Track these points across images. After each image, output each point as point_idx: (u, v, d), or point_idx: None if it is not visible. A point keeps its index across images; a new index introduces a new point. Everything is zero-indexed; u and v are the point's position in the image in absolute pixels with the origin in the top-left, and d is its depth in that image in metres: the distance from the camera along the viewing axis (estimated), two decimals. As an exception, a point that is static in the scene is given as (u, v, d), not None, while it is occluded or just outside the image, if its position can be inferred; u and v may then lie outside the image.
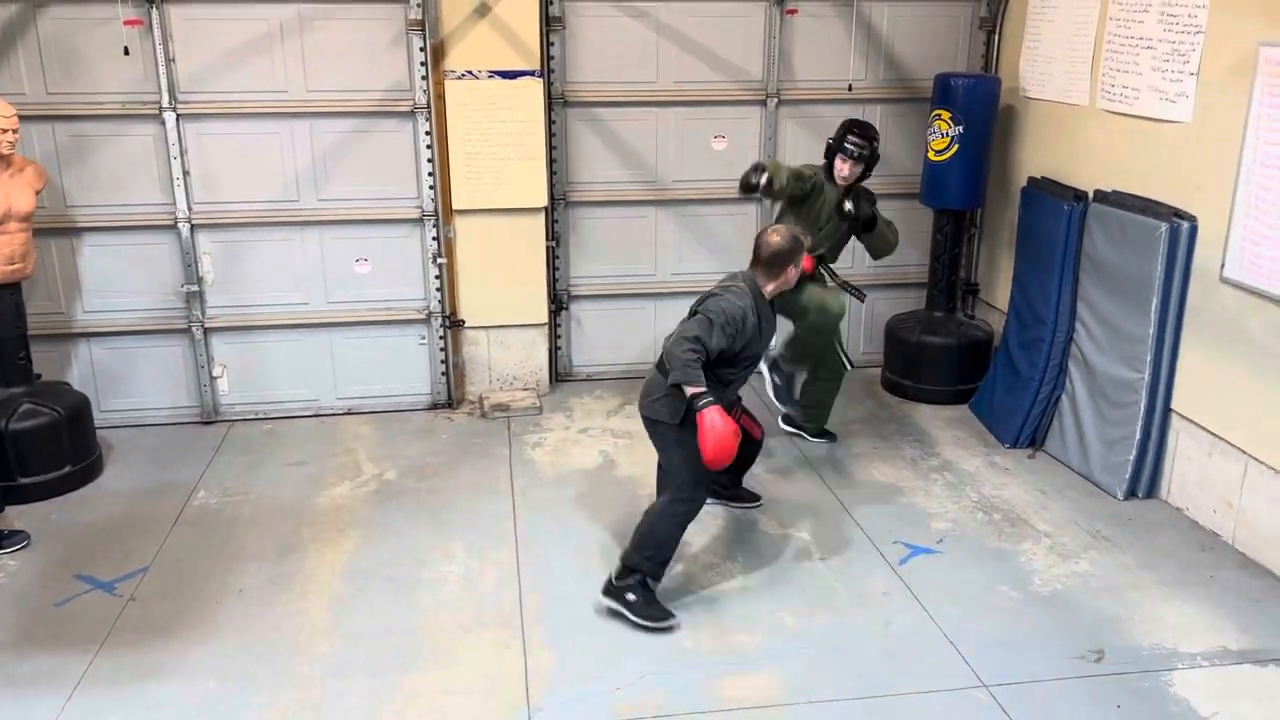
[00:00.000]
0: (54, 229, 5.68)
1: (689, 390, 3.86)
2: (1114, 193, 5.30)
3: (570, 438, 5.87)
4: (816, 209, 5.35)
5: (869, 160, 5.30)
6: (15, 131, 4.89)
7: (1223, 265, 4.63)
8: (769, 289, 4.21)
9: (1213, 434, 4.79)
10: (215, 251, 5.93)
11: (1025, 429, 5.71)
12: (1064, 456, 5.51)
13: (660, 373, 4.09)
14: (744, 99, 6.43)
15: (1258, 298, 4.46)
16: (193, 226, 5.85)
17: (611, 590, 4.13)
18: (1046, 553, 4.65)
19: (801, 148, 6.55)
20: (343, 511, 5.03)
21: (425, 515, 4.99)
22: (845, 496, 5.18)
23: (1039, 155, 6.13)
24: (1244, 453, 4.60)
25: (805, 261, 4.35)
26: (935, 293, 6.54)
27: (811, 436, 5.83)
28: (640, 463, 5.48)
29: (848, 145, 5.24)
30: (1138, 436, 5.06)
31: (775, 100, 6.43)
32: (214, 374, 6.07)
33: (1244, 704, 3.64)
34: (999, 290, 6.59)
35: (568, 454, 5.67)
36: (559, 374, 6.71)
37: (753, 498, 5.11)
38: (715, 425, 3.79)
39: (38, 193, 5.14)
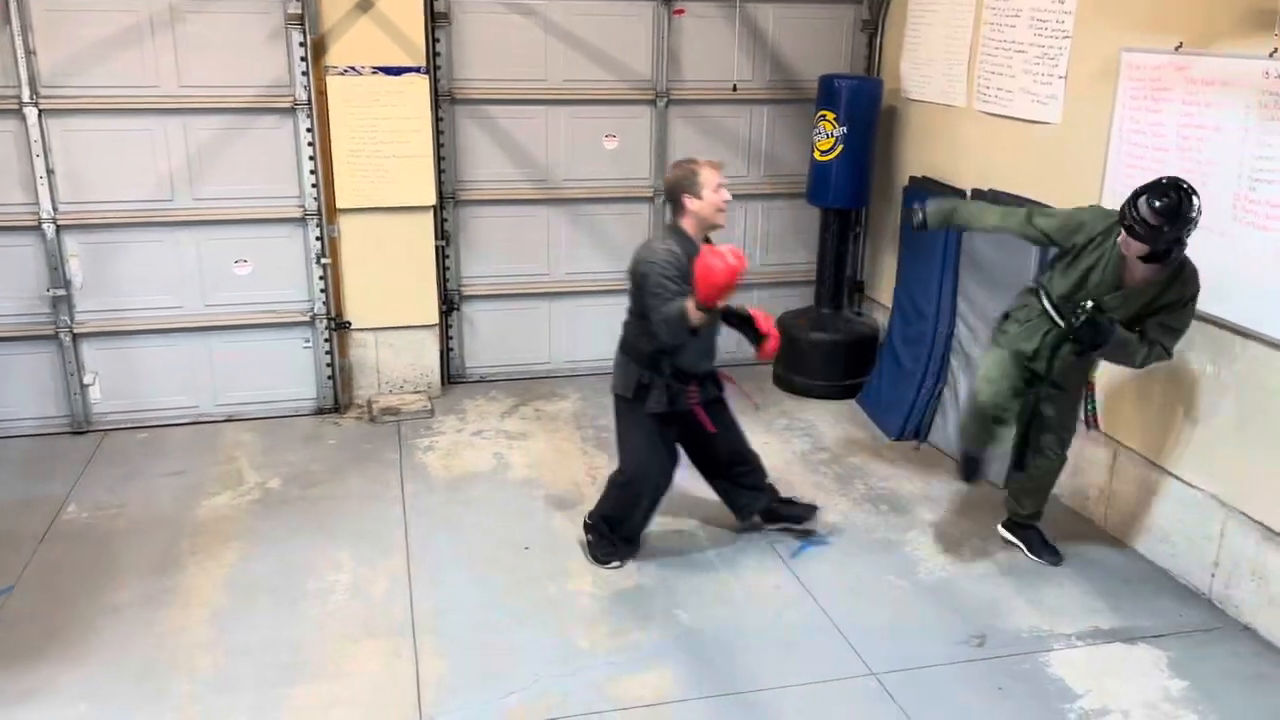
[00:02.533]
0: (-96, 230, 5.34)
1: (690, 312, 3.85)
2: (990, 191, 5.48)
3: (463, 440, 5.79)
4: (1082, 273, 4.04)
5: (1155, 246, 3.65)
6: None
7: (1091, 261, 4.83)
8: (684, 224, 4.11)
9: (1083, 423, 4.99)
10: (83, 254, 5.65)
11: (910, 422, 5.87)
12: (947, 447, 5.68)
13: (622, 354, 4.32)
14: (634, 98, 6.44)
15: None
16: (58, 228, 5.56)
17: (585, 525, 4.60)
18: (932, 542, 4.78)
19: (692, 147, 6.58)
20: (224, 522, 4.86)
21: (312, 524, 4.86)
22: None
23: (920, 155, 6.30)
24: (1113, 439, 4.81)
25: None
26: (823, 290, 6.66)
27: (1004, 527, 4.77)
28: (535, 464, 5.44)
29: (1131, 216, 3.67)
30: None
31: (665, 100, 6.46)
32: (85, 382, 5.78)
33: (1114, 681, 3.81)
34: (884, 287, 6.76)
35: (460, 457, 5.59)
36: (451, 376, 6.61)
37: (805, 510, 4.83)
38: (704, 260, 3.75)
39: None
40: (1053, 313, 4.13)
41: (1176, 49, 4.27)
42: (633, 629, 4.09)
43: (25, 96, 5.34)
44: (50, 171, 5.48)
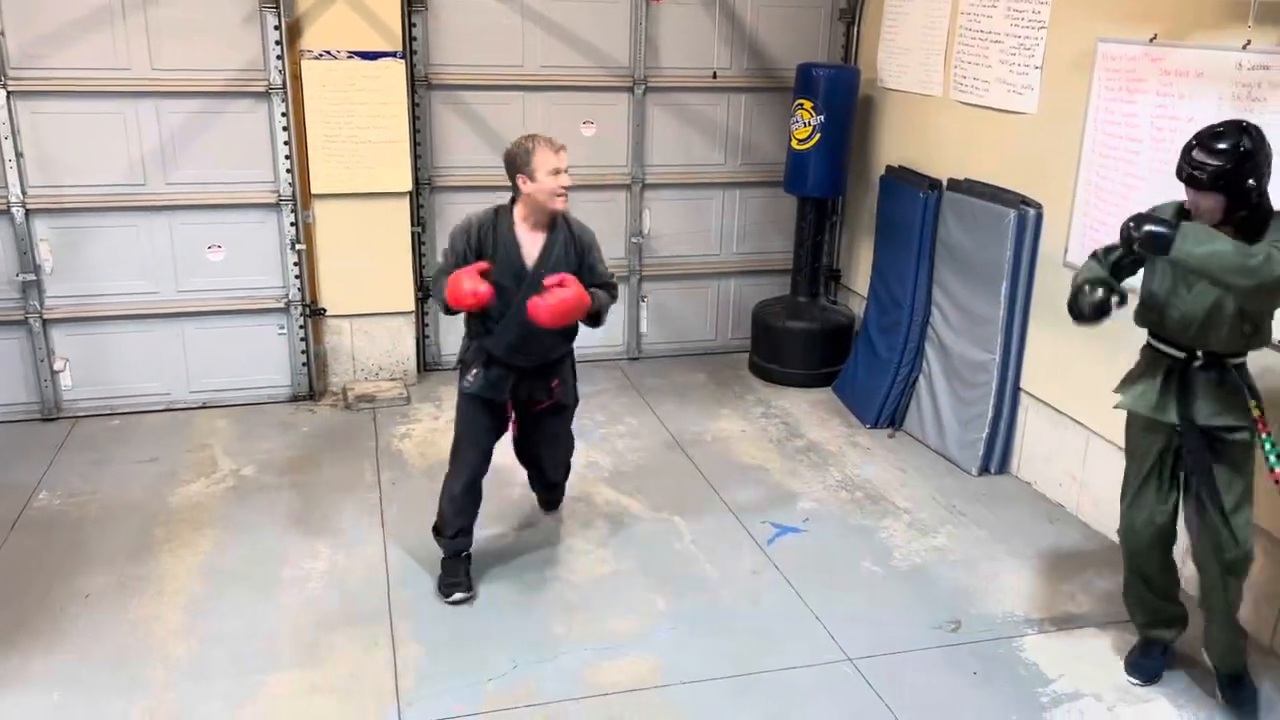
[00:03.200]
0: None
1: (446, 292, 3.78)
2: (966, 181, 5.51)
3: (439, 428, 5.77)
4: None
5: (1226, 183, 3.12)
6: None
7: (1066, 250, 4.88)
8: (517, 204, 3.90)
9: (1058, 411, 5.05)
10: (54, 238, 5.57)
11: (885, 409, 5.91)
12: (922, 435, 5.72)
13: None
14: (612, 85, 6.42)
15: (1096, 281, 4.70)
16: (28, 211, 5.48)
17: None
18: (906, 528, 4.82)
19: (669, 135, 6.59)
20: (198, 510, 4.82)
21: (287, 511, 4.83)
22: (714, 479, 5.25)
23: (896, 144, 6.32)
24: (1086, 428, 4.86)
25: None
26: (799, 279, 6.68)
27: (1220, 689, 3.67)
28: (511, 451, 5.42)
29: (1185, 167, 3.19)
30: (989, 415, 5.29)
31: (643, 87, 6.44)
32: (55, 368, 5.71)
33: (1087, 665, 3.85)
34: (860, 276, 6.79)
35: (437, 445, 5.56)
36: (427, 363, 6.58)
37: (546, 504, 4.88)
38: (456, 275, 3.74)
39: None
40: (1157, 344, 3.47)
41: (1151, 40, 4.30)
42: (609, 616, 4.10)
43: (-7, 78, 5.26)
44: (19, 154, 5.40)
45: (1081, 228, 4.76)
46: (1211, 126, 3.17)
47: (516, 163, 3.80)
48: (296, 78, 5.64)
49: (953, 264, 5.56)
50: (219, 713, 3.51)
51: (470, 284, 3.70)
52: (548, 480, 4.65)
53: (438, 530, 4.25)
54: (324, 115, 5.71)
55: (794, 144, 6.30)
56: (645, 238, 6.75)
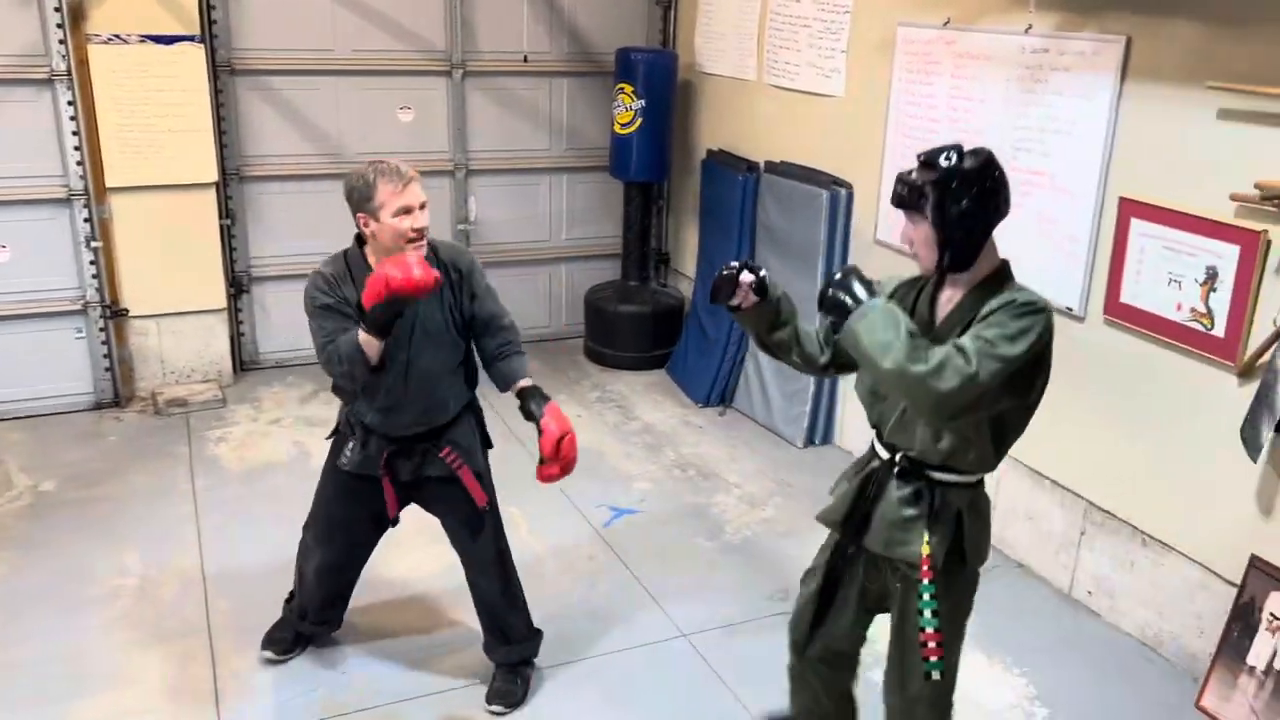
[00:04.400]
0: None
1: (364, 342, 3.02)
2: (782, 163, 5.66)
3: (259, 430, 5.53)
4: None
5: (932, 206, 2.45)
6: None
7: (876, 228, 5.08)
8: (366, 251, 3.15)
9: (875, 382, 5.25)
10: None
11: (715, 388, 6.02)
12: (750, 412, 5.86)
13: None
14: (429, 69, 6.27)
15: (904, 256, 4.90)
16: None
17: None
18: (737, 502, 4.93)
19: (492, 120, 6.50)
20: (-10, 531, 4.46)
21: (92, 527, 4.52)
22: (549, 467, 5.22)
23: (716, 128, 6.43)
24: (900, 397, 5.08)
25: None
26: (629, 263, 6.72)
27: None
28: (337, 449, 5.25)
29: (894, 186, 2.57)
30: (812, 389, 5.47)
31: (461, 71, 6.32)
32: None
33: (907, 623, 4.03)
34: (688, 258, 6.89)
35: (256, 448, 5.33)
36: (244, 362, 6.29)
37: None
38: (382, 267, 2.94)
39: None
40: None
41: (945, 24, 4.51)
42: (445, 612, 4.03)
43: None
44: None
45: (889, 205, 4.95)
46: (932, 151, 2.47)
47: (354, 199, 3.03)
48: (84, 63, 5.26)
49: (772, 244, 5.70)
50: (18, 748, 3.26)
51: (420, 267, 2.88)
52: (494, 622, 3.57)
53: (292, 604, 3.68)
54: (117, 103, 5.35)
55: (617, 128, 6.32)
56: (472, 224, 6.64)
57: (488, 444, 3.54)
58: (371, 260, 3.12)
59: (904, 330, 2.36)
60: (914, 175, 2.49)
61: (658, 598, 4.16)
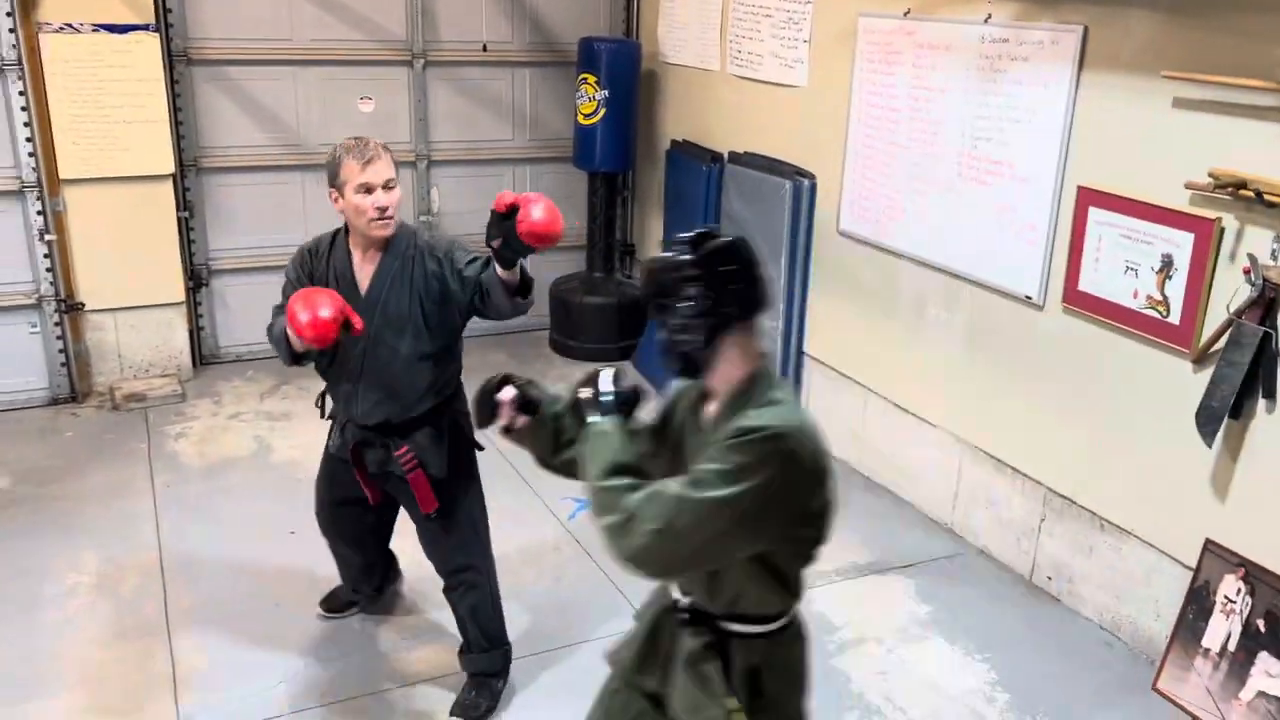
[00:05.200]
0: None
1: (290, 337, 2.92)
2: (746, 154, 5.66)
3: (219, 425, 5.46)
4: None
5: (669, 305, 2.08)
6: None
7: (838, 218, 5.09)
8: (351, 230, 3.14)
9: (839, 372, 5.28)
10: None
11: (681, 379, 6.01)
12: (716, 403, 5.86)
13: None
14: (389, 59, 6.21)
15: (867, 247, 4.94)
16: None
17: None
18: (702, 494, 4.93)
19: (454, 110, 6.45)
20: (-58, 530, 4.38)
21: (47, 524, 4.45)
22: (515, 459, 5.16)
23: (680, 119, 6.42)
24: (864, 387, 5.11)
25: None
26: (594, 254, 6.70)
27: None
28: (300, 446, 5.20)
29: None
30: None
31: (422, 61, 6.26)
32: None
33: (870, 611, 4.06)
34: (653, 249, 6.88)
35: (217, 442, 5.26)
36: (203, 356, 6.20)
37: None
38: (295, 300, 2.83)
39: None
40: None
41: (905, 14, 4.53)
42: (413, 604, 4.00)
43: None
44: None
45: (851, 196, 4.98)
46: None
47: (328, 174, 3.03)
48: (34, 52, 5.16)
49: (736, 233, 5.69)
50: (-28, 750, 3.21)
51: (306, 311, 2.75)
52: (459, 627, 3.51)
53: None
54: (69, 94, 5.25)
55: (580, 119, 6.29)
56: (435, 216, 6.59)
57: (472, 447, 3.37)
58: (350, 242, 3.13)
59: (604, 467, 2.00)
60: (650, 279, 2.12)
61: (623, 589, 4.15)
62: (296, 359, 3.05)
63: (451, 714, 3.44)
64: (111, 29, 5.24)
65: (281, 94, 6.00)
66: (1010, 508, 4.36)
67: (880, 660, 3.79)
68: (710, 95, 6.06)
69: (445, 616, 3.92)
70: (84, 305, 5.61)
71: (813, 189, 5.25)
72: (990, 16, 4.10)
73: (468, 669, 3.54)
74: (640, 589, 4.06)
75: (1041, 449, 4.18)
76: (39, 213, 5.36)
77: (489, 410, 2.39)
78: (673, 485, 1.92)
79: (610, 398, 2.15)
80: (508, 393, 2.37)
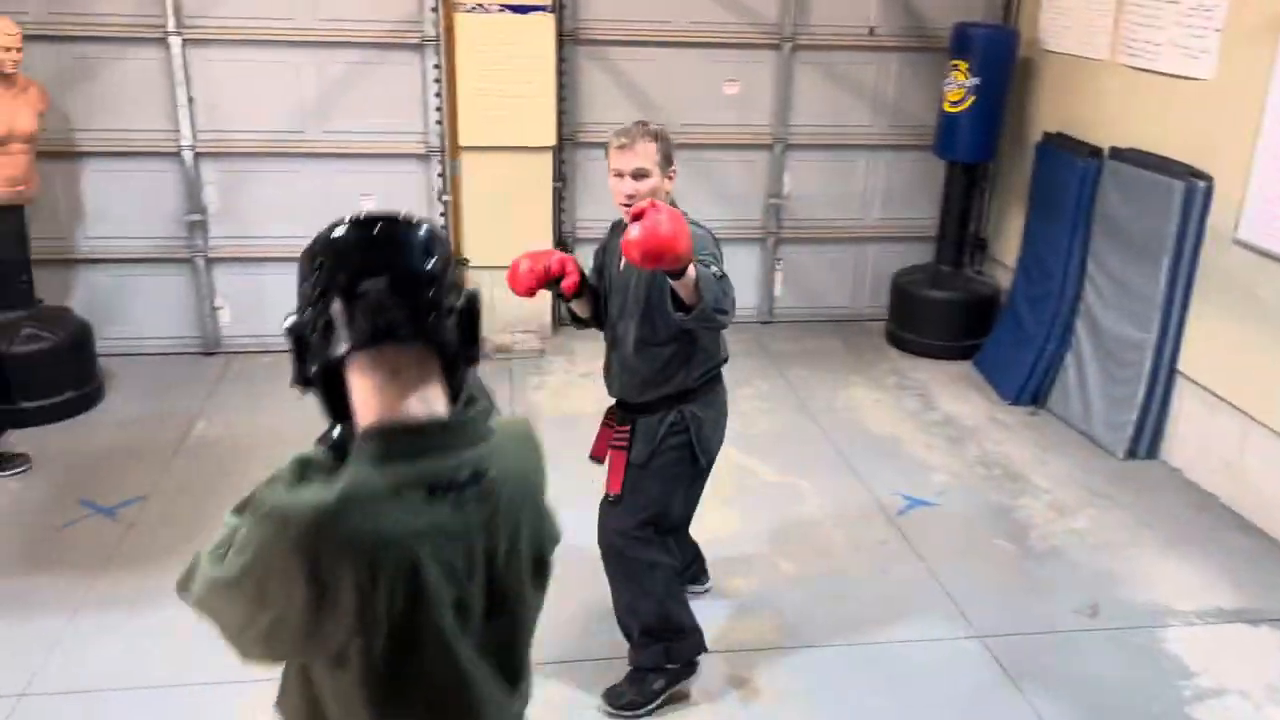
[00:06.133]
0: (57, 153, 5.59)
1: None
2: (1130, 150, 5.23)
3: (571, 382, 5.86)
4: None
5: None
6: (18, 50, 4.81)
7: (1236, 226, 4.59)
8: None
9: (1216, 396, 4.77)
10: (218, 181, 5.87)
11: (1028, 386, 5.70)
12: (1066, 414, 5.50)
13: None
14: (758, 42, 6.32)
15: (1270, 260, 4.42)
16: (196, 155, 5.78)
17: None
18: (1045, 508, 4.66)
19: (816, 94, 6.46)
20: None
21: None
22: (845, 447, 5.18)
23: (1055, 109, 6.04)
24: (1246, 415, 4.59)
25: None
26: (944, 246, 6.49)
27: None
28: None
29: None
30: (1141, 396, 5.05)
31: (790, 44, 6.32)
32: (215, 305, 6.04)
33: (1232, 662, 3.67)
34: (1008, 246, 6.54)
35: (568, 397, 5.66)
36: (561, 318, 6.67)
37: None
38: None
39: (40, 114, 5.06)
40: None
41: (1351, 0, 3.97)
42: (734, 574, 4.10)
43: (170, 26, 5.54)
44: (190, 99, 5.69)
45: (1257, 203, 4.46)
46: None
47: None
48: (450, 30, 5.75)
49: (1111, 237, 5.30)
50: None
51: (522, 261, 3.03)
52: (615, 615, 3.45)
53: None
54: (475, 68, 5.81)
55: (945, 106, 6.09)
56: (784, 199, 6.65)
57: (694, 457, 3.22)
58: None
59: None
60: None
61: (952, 594, 4.02)
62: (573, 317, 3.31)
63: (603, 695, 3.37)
64: (515, 9, 5.73)
65: (654, 74, 6.28)
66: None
67: (1244, 717, 3.41)
68: (1093, 85, 5.64)
69: (759, 590, 4.00)
70: (469, 261, 6.21)
71: (1208, 192, 4.76)
72: None
73: (630, 658, 3.40)
74: (976, 604, 3.92)
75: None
76: (439, 175, 5.99)
77: None
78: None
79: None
80: None
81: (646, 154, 3.02)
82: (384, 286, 1.46)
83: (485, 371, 6.15)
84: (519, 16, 5.75)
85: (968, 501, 4.72)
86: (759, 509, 4.58)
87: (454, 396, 1.56)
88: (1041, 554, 4.32)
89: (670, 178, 3.09)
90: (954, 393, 5.88)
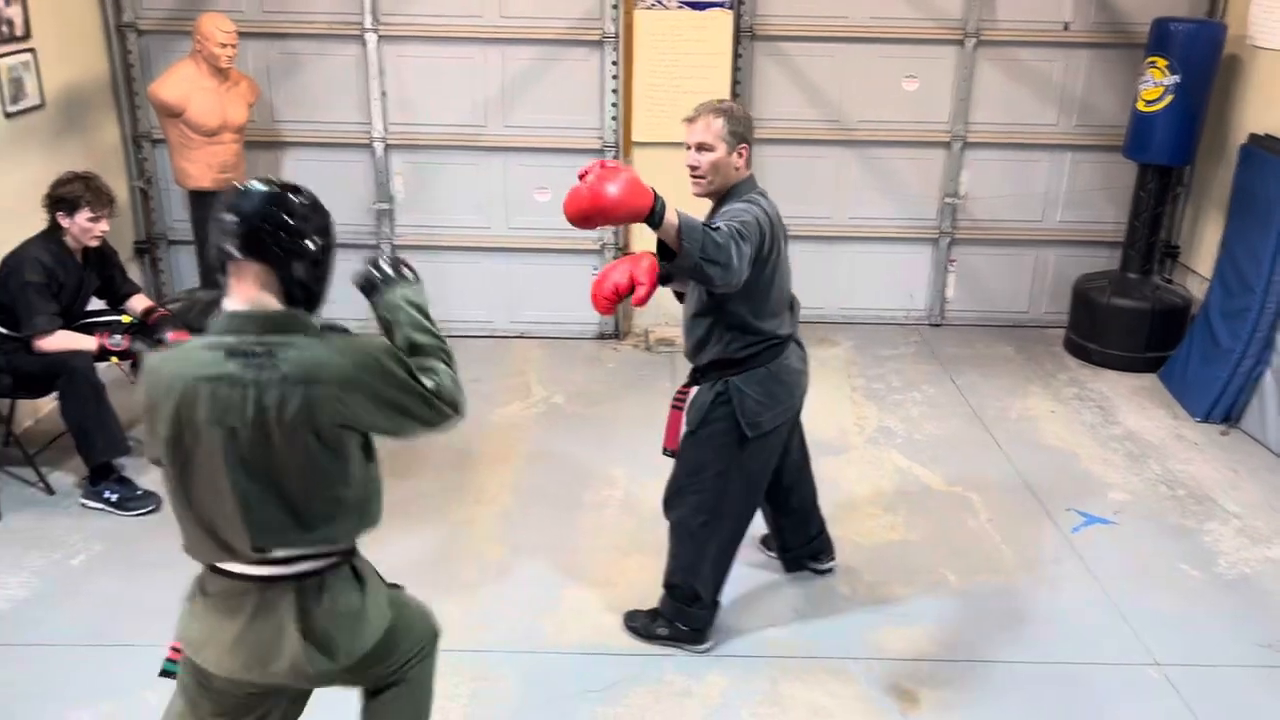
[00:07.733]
0: (262, 142, 6.00)
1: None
2: (1350, 154, 4.85)
3: (735, 376, 5.88)
4: None
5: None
6: (234, 47, 5.18)
7: None
8: None
9: None
10: (406, 172, 6.15)
11: (1220, 403, 5.36)
12: (1262, 436, 5.15)
13: None
14: (940, 38, 6.15)
15: None
16: (387, 146, 6.08)
17: None
18: (1235, 534, 4.38)
19: (997, 91, 6.25)
20: (513, 430, 5.21)
21: (589, 440, 5.11)
22: (1017, 459, 5.01)
23: (1264, 111, 5.64)
24: None
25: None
26: (1131, 253, 6.16)
27: None
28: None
29: None
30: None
31: (974, 40, 6.13)
32: (399, 290, 6.33)
33: None
34: (1201, 254, 6.16)
35: (731, 392, 5.67)
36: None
37: None
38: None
39: (250, 106, 5.43)
40: None
41: None
42: (895, 583, 4.04)
43: (367, 23, 5.84)
44: (383, 93, 5.99)
45: None
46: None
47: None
48: (629, 27, 5.84)
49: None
50: (520, 618, 3.80)
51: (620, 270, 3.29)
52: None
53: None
54: (651, 64, 5.89)
55: (1140, 105, 5.77)
56: (960, 199, 6.46)
57: (740, 432, 3.34)
58: None
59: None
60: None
61: (1129, 618, 3.84)
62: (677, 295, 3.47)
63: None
64: (694, 5, 5.77)
65: (830, 70, 6.20)
66: None
67: None
68: (1310, 85, 5.24)
69: (923, 601, 3.92)
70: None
71: None
72: None
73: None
74: (1157, 631, 3.74)
75: None
76: (612, 169, 6.10)
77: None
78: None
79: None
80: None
81: (710, 129, 3.21)
82: (226, 219, 2.16)
83: (648, 363, 6.31)
84: (698, 13, 5.79)
85: (1148, 522, 4.48)
86: (924, 516, 4.49)
87: (289, 301, 2.21)
88: (1230, 582, 4.07)
89: (741, 154, 3.25)
90: (1136, 407, 5.59)
